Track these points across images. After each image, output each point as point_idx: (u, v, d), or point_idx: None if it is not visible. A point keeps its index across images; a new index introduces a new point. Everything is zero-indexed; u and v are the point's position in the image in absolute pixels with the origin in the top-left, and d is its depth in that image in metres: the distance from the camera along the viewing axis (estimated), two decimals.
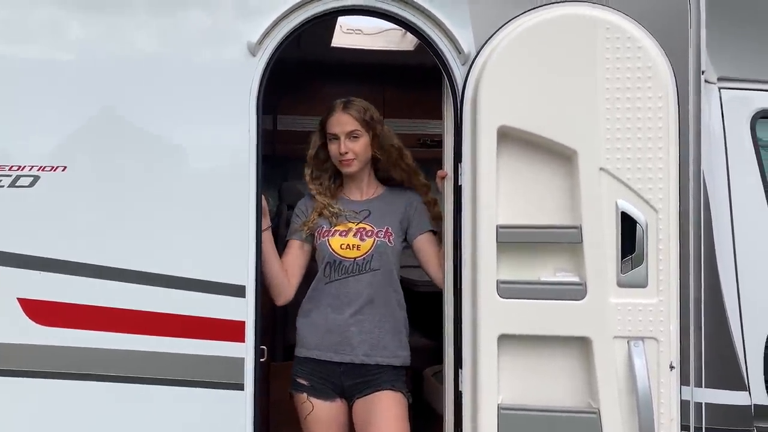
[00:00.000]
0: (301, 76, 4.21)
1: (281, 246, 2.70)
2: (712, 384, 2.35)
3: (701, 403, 2.32)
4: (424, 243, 2.60)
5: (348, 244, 2.53)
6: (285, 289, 2.56)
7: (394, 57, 3.92)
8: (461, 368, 2.24)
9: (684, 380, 2.28)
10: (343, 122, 2.58)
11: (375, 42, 3.94)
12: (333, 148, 2.60)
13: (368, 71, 4.11)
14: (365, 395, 2.50)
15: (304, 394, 2.52)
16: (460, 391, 2.25)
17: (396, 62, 3.97)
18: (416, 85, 3.50)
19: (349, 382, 2.52)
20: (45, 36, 2.21)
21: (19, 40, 2.21)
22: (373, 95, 4.33)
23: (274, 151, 4.45)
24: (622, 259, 2.14)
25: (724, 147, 2.51)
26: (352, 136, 2.58)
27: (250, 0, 2.24)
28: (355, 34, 3.92)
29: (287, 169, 4.56)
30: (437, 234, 2.60)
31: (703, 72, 2.40)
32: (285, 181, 4.43)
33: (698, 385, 2.33)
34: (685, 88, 2.33)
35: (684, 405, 2.24)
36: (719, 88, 2.55)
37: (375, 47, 3.95)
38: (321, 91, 4.47)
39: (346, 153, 2.56)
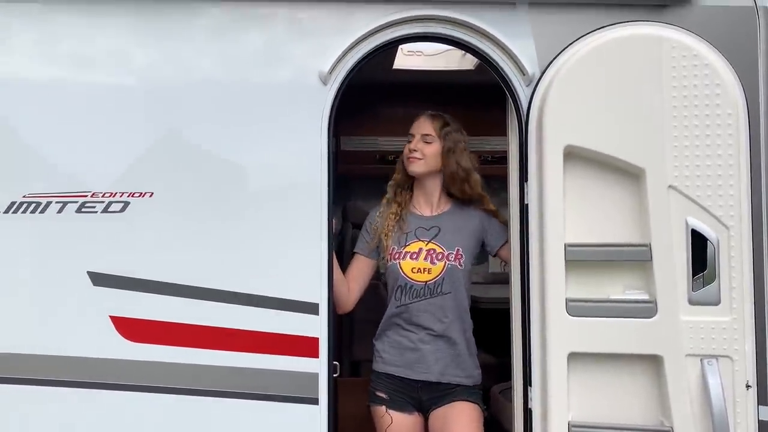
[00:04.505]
0: (364, 99, 4.32)
1: (347, 261, 2.78)
2: None
3: None
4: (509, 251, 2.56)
5: (419, 268, 2.60)
6: (345, 301, 2.62)
7: (454, 76, 3.98)
8: (530, 386, 2.26)
9: (762, 400, 2.24)
10: (420, 125, 2.75)
11: (435, 63, 4.02)
12: (407, 146, 2.73)
13: (429, 91, 4.18)
14: (442, 405, 2.57)
15: (383, 407, 2.60)
16: (530, 409, 2.27)
17: (456, 81, 4.03)
18: (477, 103, 3.55)
19: (426, 396, 2.59)
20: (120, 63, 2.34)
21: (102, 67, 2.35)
22: None
23: (337, 171, 4.56)
24: (693, 277, 2.13)
25: None
26: (425, 139, 2.70)
27: (323, 33, 2.35)
28: (416, 56, 4.01)
29: (350, 189, 4.68)
30: None
31: None
32: (348, 200, 4.54)
33: None
34: (756, 102, 2.31)
35: (764, 426, 2.20)
36: None
37: (436, 68, 4.02)
38: (383, 113, 4.59)
39: (415, 151, 2.68)
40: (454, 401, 2.56)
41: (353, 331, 3.87)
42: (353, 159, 4.57)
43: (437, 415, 2.58)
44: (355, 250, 2.76)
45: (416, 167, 2.68)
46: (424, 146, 2.68)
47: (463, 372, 2.60)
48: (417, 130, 2.72)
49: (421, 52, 4.01)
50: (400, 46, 3.73)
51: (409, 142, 2.72)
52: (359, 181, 4.53)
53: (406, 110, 4.36)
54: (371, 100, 4.35)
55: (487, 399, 3.33)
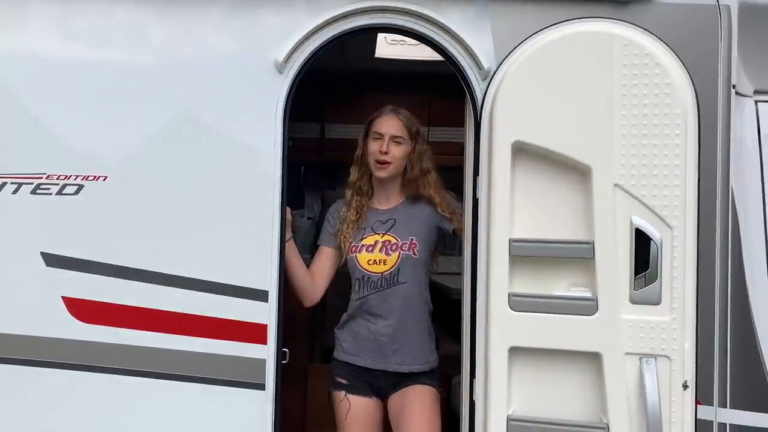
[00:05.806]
0: (348, 86, 4.33)
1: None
2: (739, 405, 2.30)
3: (725, 424, 2.28)
4: None
5: (375, 260, 2.63)
6: (311, 292, 2.67)
7: (438, 66, 3.96)
8: (475, 378, 2.28)
9: (707, 400, 2.25)
10: (391, 124, 2.68)
11: (419, 52, 4.00)
12: (374, 145, 2.66)
13: (414, 80, 4.18)
14: (399, 390, 2.64)
15: (342, 392, 2.67)
16: (474, 401, 2.29)
17: (440, 71, 4.01)
18: (461, 93, 3.54)
19: (384, 383, 2.66)
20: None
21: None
22: (419, 103, 4.44)
23: (321, 158, 4.58)
24: (635, 276, 2.14)
25: (759, 160, 2.45)
26: (395, 140, 2.66)
27: (278, 21, 2.35)
28: (399, 44, 4.00)
29: (335, 176, 4.68)
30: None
31: (734, 85, 2.36)
32: (332, 189, 4.55)
33: (722, 405, 2.29)
34: (714, 102, 2.30)
35: (707, 425, 2.22)
36: (756, 101, 2.49)
37: (419, 57, 4.01)
38: (369, 100, 4.57)
39: (386, 153, 2.62)
40: (410, 385, 2.63)
41: (325, 318, 3.91)
42: (338, 146, 4.58)
43: (395, 399, 2.65)
44: (318, 243, 2.78)
45: (384, 173, 2.66)
46: (394, 148, 2.65)
47: (420, 360, 2.65)
48: (385, 130, 2.67)
49: (404, 41, 3.99)
50: (382, 35, 3.75)
51: (375, 139, 2.65)
52: (344, 168, 4.54)
53: (393, 98, 4.37)
54: (356, 88, 4.36)
55: (449, 389, 3.36)
